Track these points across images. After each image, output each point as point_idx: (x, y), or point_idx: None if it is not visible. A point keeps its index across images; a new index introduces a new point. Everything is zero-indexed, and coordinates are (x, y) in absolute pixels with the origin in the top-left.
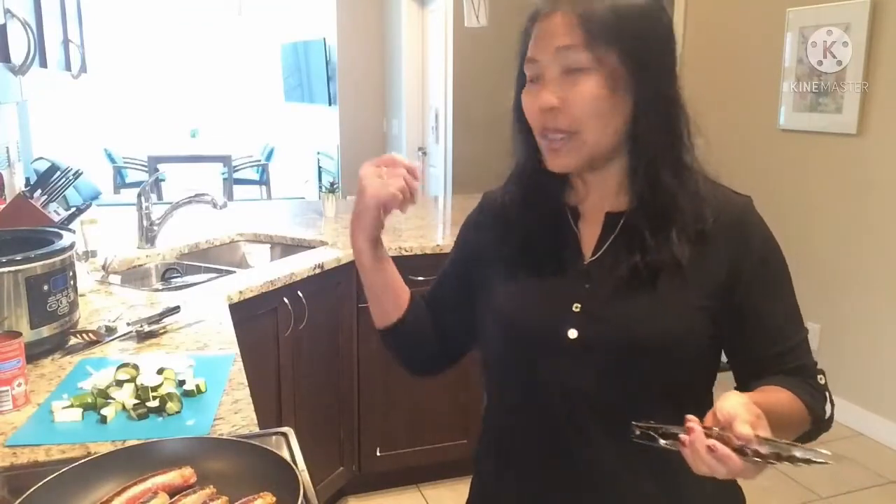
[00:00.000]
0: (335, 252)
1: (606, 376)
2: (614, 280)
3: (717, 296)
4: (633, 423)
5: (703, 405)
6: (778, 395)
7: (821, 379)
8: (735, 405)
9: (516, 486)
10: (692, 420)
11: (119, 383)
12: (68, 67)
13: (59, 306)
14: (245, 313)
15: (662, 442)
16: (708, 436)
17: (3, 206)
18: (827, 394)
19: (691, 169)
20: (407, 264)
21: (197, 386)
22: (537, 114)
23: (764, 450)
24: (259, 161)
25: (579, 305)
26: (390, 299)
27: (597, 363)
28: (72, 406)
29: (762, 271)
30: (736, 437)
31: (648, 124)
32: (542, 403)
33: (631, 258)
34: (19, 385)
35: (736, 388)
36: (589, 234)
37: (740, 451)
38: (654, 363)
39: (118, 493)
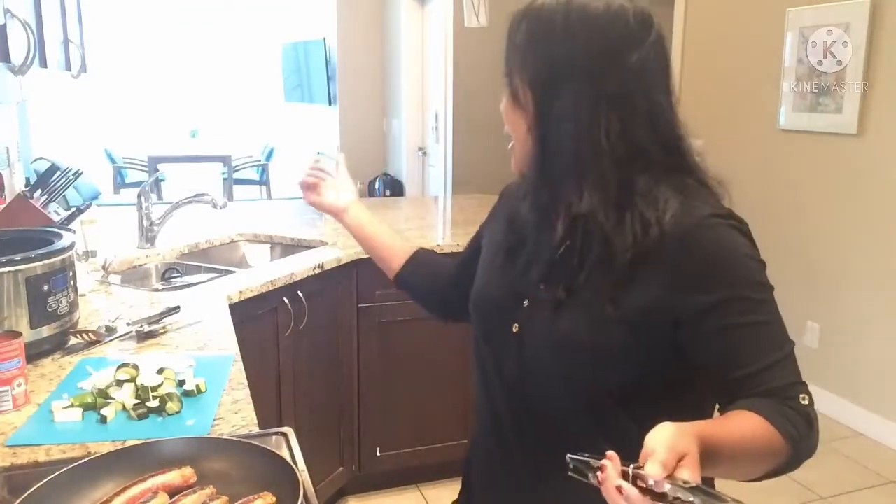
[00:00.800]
0: (335, 252)
1: (536, 375)
2: (558, 287)
3: (650, 312)
4: (569, 455)
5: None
6: (740, 423)
7: (803, 399)
8: (656, 441)
9: (482, 485)
10: (610, 456)
11: (119, 383)
12: (68, 67)
13: (59, 306)
14: (245, 313)
15: (591, 476)
16: (625, 474)
17: (3, 206)
18: (810, 414)
19: (620, 190)
20: None
21: (197, 386)
22: None
23: (674, 494)
24: (259, 161)
25: (528, 301)
26: (380, 258)
27: (528, 361)
28: (72, 406)
29: (713, 290)
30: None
31: (552, 143)
32: (490, 395)
33: (572, 266)
34: (19, 385)
35: (719, 410)
36: (559, 235)
37: (657, 492)
38: (576, 371)
39: (118, 493)
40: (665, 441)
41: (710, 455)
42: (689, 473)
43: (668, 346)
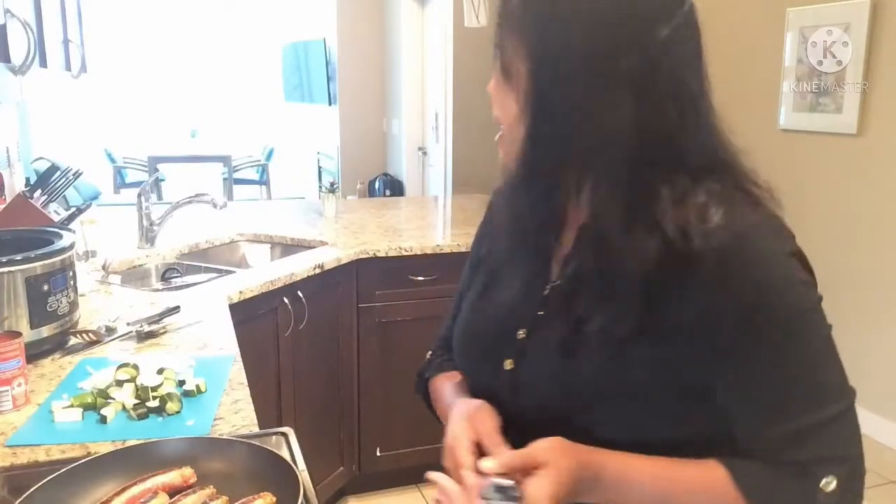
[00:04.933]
0: (335, 252)
1: (535, 419)
2: (564, 316)
3: (679, 348)
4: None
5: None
6: (680, 471)
7: (828, 482)
8: (529, 448)
9: None
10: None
11: (119, 383)
12: (68, 67)
13: (59, 306)
14: (245, 313)
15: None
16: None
17: (3, 206)
18: None
19: (635, 193)
20: (407, 264)
21: (197, 386)
22: None
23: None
24: (259, 161)
25: (524, 333)
26: None
27: (526, 403)
28: (72, 406)
29: (745, 327)
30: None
31: (546, 130)
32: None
33: (580, 290)
34: (19, 385)
35: None
36: (564, 249)
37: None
38: (587, 420)
39: (118, 493)
40: (532, 449)
41: (606, 485)
42: (536, 482)
43: (699, 391)
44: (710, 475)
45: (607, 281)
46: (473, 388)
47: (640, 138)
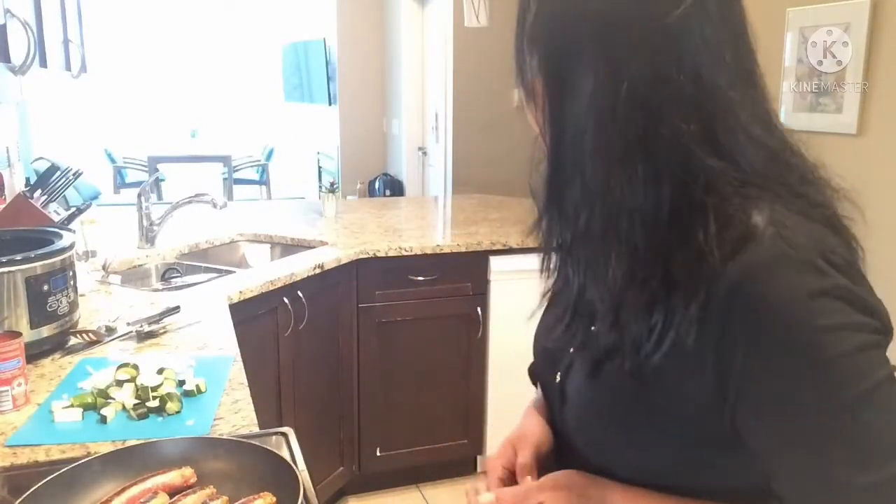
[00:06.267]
0: (335, 252)
1: (577, 435)
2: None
3: (693, 381)
4: None
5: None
6: None
7: None
8: (543, 479)
9: None
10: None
11: (119, 383)
12: (68, 67)
13: (59, 306)
14: (245, 313)
15: None
16: None
17: (3, 206)
18: None
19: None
20: (407, 264)
21: (197, 386)
22: None
23: None
24: (259, 161)
25: (574, 348)
26: None
27: (569, 418)
28: (72, 406)
29: (752, 369)
30: None
31: (566, 152)
32: (556, 441)
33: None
34: (19, 385)
35: None
36: None
37: None
38: (612, 449)
39: (118, 493)
40: (529, 488)
41: None
42: None
43: (721, 437)
44: None
45: (609, 306)
46: (543, 394)
47: (646, 154)
